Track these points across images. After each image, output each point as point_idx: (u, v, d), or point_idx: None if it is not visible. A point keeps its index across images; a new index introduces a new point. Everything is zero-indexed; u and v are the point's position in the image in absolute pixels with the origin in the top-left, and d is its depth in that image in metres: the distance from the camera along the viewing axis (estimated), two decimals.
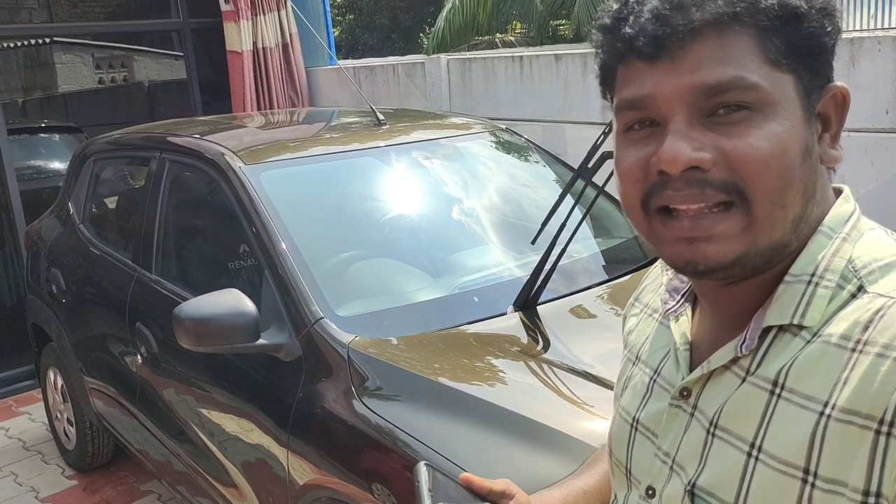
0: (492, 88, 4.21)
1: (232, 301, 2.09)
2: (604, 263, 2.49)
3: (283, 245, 2.23)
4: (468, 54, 5.13)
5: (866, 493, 0.63)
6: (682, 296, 0.85)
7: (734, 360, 0.73)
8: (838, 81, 0.72)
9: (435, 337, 2.05)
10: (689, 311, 0.83)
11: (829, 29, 0.69)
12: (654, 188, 0.71)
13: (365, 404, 1.86)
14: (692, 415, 0.77)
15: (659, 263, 0.95)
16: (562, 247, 2.11)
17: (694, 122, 0.68)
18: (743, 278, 0.73)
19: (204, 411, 2.47)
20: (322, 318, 2.06)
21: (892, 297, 0.66)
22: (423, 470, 0.88)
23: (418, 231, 2.60)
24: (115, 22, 7.90)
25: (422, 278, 2.38)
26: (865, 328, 0.65)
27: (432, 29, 13.09)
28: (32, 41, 10.06)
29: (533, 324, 2.10)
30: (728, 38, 0.67)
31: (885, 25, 8.10)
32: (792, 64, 0.68)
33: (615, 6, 0.73)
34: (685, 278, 0.85)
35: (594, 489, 1.04)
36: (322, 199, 2.61)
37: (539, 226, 2.30)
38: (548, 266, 2.11)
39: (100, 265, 3.23)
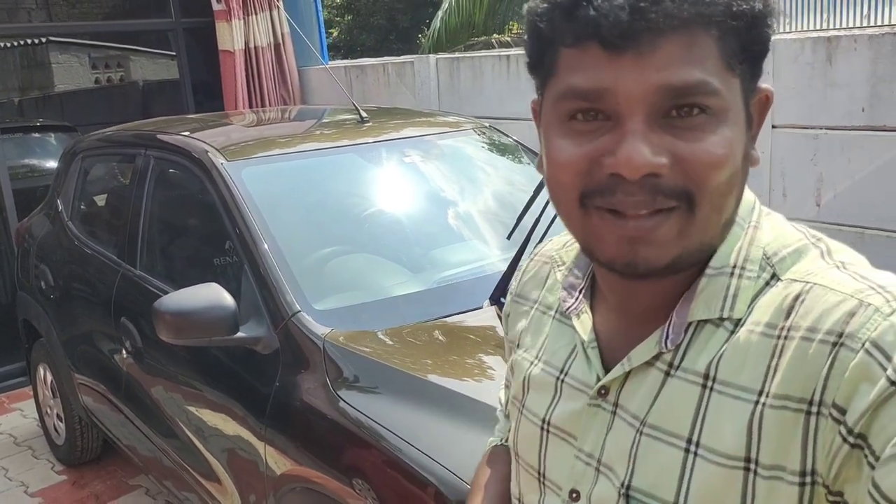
0: (479, 87, 4.24)
1: (211, 295, 2.12)
2: None
3: (263, 240, 2.26)
4: (457, 54, 5.17)
5: (803, 474, 0.64)
6: (580, 292, 0.84)
7: (656, 356, 0.73)
8: (763, 83, 0.72)
9: (411, 330, 2.08)
10: (587, 307, 0.82)
11: (771, 32, 0.69)
12: (602, 189, 0.68)
13: (340, 396, 1.89)
14: (614, 413, 0.76)
15: (537, 257, 0.96)
16: (537, 241, 2.14)
17: (652, 122, 0.66)
18: (667, 276, 0.73)
19: (186, 405, 2.50)
20: (299, 311, 2.09)
21: (809, 282, 0.68)
22: None
23: (399, 227, 2.63)
24: (109, 21, 7.94)
25: (401, 273, 2.41)
26: (787, 315, 0.67)
27: (428, 30, 13.10)
28: (29, 41, 10.10)
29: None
30: (697, 38, 0.65)
31: (879, 24, 8.11)
32: (742, 68, 0.67)
33: None
34: (580, 274, 0.85)
35: None
36: (303, 195, 2.64)
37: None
38: (523, 260, 2.14)
39: (87, 261, 3.26)
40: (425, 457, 1.66)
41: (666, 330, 0.72)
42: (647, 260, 0.69)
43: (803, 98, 2.89)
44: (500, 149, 3.05)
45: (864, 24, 8.00)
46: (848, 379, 0.62)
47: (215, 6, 5.28)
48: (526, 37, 0.73)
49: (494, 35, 13.43)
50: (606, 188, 0.68)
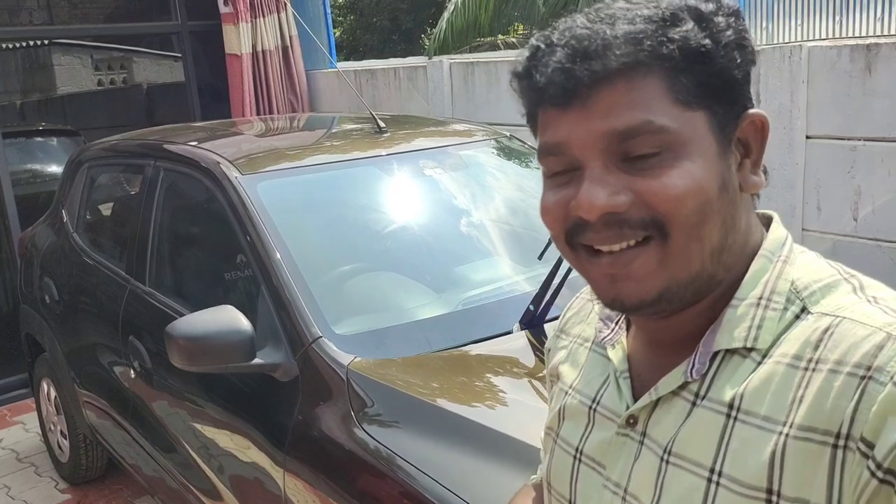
0: (495, 93, 4.12)
1: (226, 318, 2.01)
2: None
3: (280, 259, 2.15)
4: (471, 57, 5.05)
5: None
6: (616, 323, 0.85)
7: (682, 386, 0.73)
8: (756, 109, 0.73)
9: (438, 358, 1.97)
10: (623, 338, 0.83)
11: (739, 61, 0.70)
12: (575, 229, 0.72)
13: (365, 430, 1.78)
14: (641, 443, 0.76)
15: (583, 294, 0.97)
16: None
17: (610, 165, 0.69)
18: (675, 311, 0.73)
19: (198, 429, 2.39)
20: (320, 336, 1.98)
21: (838, 316, 0.67)
22: None
23: (421, 243, 2.51)
24: (113, 24, 7.80)
25: (424, 293, 2.30)
26: (816, 347, 0.67)
27: (433, 31, 13.01)
28: (31, 43, 9.96)
29: (541, 343, 2.02)
30: (636, 82, 0.68)
31: (893, 29, 7.96)
32: (703, 101, 0.69)
33: (527, 53, 0.75)
34: None
35: None
36: (321, 210, 2.52)
37: (545, 239, 2.21)
38: (556, 282, 2.03)
39: (93, 275, 3.14)
40: (457, 498, 1.55)
41: (692, 360, 0.73)
42: (629, 296, 0.71)
43: (840, 108, 2.77)
44: (524, 159, 2.94)
45: (878, 27, 7.85)
46: (876, 413, 0.61)
47: (222, 9, 5.18)
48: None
49: (500, 36, 13.34)
50: (578, 229, 0.72)
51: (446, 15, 12.03)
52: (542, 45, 0.73)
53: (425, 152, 2.70)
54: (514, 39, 13.47)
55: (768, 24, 9.59)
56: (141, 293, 2.73)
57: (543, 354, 2.04)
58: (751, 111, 0.73)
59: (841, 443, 0.62)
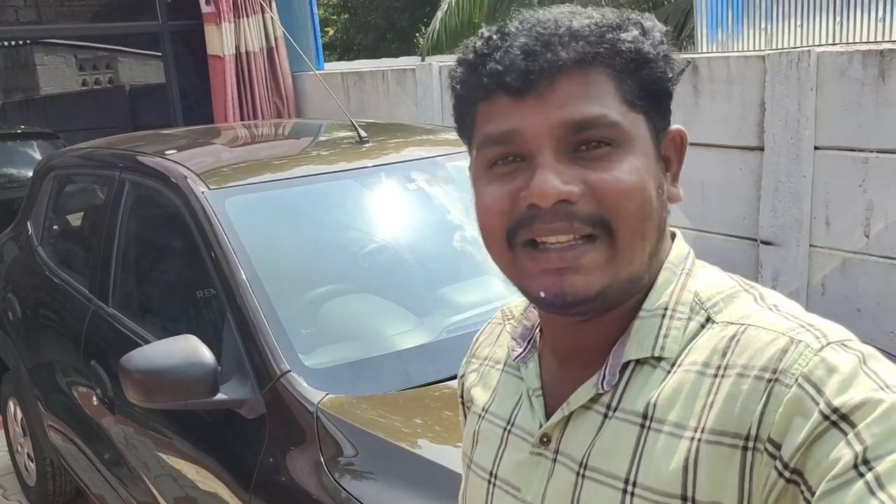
0: None
1: (187, 350, 1.84)
2: None
3: (246, 282, 1.98)
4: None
5: None
6: (528, 342, 0.84)
7: (594, 399, 0.74)
8: (676, 125, 0.76)
9: (420, 396, 1.80)
10: (536, 357, 0.83)
11: (669, 75, 0.73)
12: (522, 221, 0.71)
13: (336, 480, 1.60)
14: (555, 460, 0.76)
15: (494, 320, 0.94)
16: None
17: (561, 156, 0.70)
18: (601, 312, 0.74)
19: (160, 462, 2.22)
20: (289, 370, 1.81)
21: (743, 324, 0.70)
22: None
23: (402, 262, 2.34)
24: (91, 24, 7.59)
25: (405, 319, 2.12)
26: (724, 354, 0.68)
27: (427, 30, 12.84)
28: (12, 42, 9.72)
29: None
30: (591, 77, 0.70)
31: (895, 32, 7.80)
32: (644, 105, 0.72)
33: (478, 42, 0.74)
34: (529, 324, 0.86)
35: None
36: (295, 228, 2.34)
37: None
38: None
39: (57, 293, 2.96)
40: None
41: (603, 372, 0.74)
42: (574, 289, 0.70)
43: (851, 117, 2.61)
44: None
45: (879, 28, 7.69)
46: (782, 414, 0.63)
47: (204, 8, 5.00)
48: (452, 104, 0.79)
49: None
50: (526, 220, 0.71)
51: (440, 14, 11.85)
52: (495, 36, 0.73)
53: (409, 164, 2.52)
54: None
55: (767, 25, 9.38)
56: (104, 315, 2.55)
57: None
58: (672, 127, 0.76)
59: (750, 444, 0.64)
